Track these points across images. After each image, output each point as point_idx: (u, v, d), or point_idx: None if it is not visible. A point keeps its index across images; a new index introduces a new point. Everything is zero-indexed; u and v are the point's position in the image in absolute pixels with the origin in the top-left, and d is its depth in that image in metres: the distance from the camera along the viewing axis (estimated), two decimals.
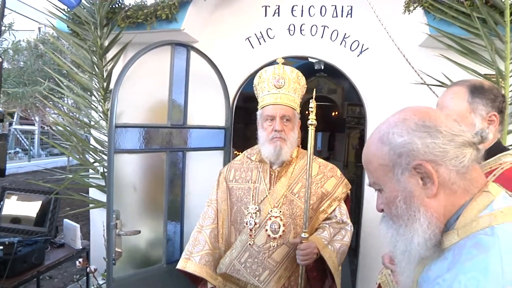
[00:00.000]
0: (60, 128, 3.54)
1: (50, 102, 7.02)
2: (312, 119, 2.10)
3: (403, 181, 0.96)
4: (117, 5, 3.27)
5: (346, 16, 3.52)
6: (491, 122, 1.64)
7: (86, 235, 4.24)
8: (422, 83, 2.95)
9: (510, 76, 2.58)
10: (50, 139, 9.34)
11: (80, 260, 3.31)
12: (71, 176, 3.49)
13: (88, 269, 3.34)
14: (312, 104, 2.09)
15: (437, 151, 0.91)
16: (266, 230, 2.20)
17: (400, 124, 0.97)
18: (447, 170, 0.92)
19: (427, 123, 0.94)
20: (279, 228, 2.19)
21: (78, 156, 3.55)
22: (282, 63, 2.32)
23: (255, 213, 2.24)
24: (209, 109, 3.45)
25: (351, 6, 3.49)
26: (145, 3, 3.21)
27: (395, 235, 1.02)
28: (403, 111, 1.00)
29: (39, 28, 19.46)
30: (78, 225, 3.61)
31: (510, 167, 1.57)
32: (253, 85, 2.40)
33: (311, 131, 2.11)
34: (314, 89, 2.34)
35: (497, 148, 1.65)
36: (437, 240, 0.95)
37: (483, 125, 1.63)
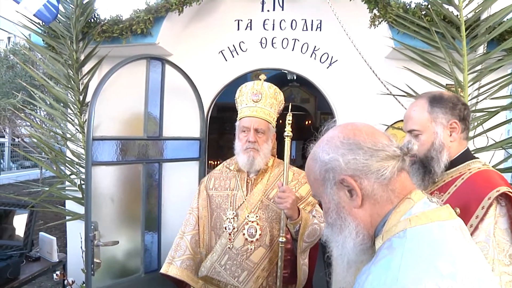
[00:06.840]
0: (35, 140, 3.53)
1: (22, 114, 6.90)
2: (288, 130, 2.25)
3: (332, 193, 1.06)
4: (93, 20, 3.31)
5: (316, 30, 3.66)
6: (453, 129, 1.73)
7: (61, 247, 4.21)
8: (388, 93, 3.11)
9: (469, 86, 2.76)
10: (21, 151, 9.21)
11: (58, 272, 3.32)
12: (47, 188, 3.49)
13: (65, 281, 3.34)
14: (289, 116, 2.25)
15: (359, 166, 1.00)
16: (244, 234, 2.32)
17: (327, 143, 1.06)
18: (370, 183, 1.00)
19: (350, 140, 1.02)
20: (256, 232, 2.32)
21: (55, 169, 3.55)
22: (264, 79, 2.45)
23: (233, 218, 2.37)
24: (184, 121, 3.51)
25: (321, 20, 3.64)
26: (121, 18, 3.26)
27: (331, 241, 1.11)
28: (332, 130, 1.10)
29: (9, 38, 19.06)
30: (54, 238, 3.58)
31: (477, 171, 1.69)
32: (235, 98, 2.52)
33: (287, 141, 2.25)
34: (291, 103, 2.47)
35: (466, 156, 1.78)
36: (366, 246, 1.04)
37: (445, 133, 1.73)
